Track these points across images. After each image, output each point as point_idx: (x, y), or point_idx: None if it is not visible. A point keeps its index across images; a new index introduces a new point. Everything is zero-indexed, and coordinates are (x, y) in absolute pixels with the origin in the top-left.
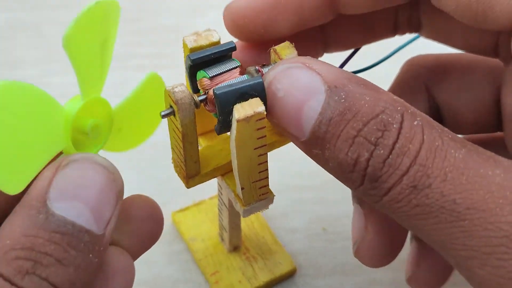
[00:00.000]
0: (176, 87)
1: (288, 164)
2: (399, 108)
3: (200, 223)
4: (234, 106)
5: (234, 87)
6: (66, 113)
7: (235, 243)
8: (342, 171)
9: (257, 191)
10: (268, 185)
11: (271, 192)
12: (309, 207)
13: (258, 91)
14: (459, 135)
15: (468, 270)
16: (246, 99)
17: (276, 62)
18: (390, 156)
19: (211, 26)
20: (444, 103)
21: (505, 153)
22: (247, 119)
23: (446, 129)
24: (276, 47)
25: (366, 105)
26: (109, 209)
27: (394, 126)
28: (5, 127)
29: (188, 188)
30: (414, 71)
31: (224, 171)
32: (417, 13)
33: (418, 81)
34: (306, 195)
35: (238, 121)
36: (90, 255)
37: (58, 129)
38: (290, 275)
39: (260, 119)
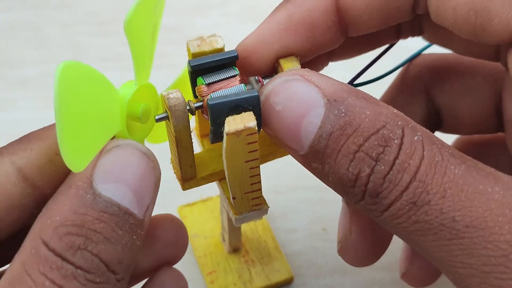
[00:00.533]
0: (172, 93)
1: (288, 165)
2: (399, 122)
3: (204, 220)
4: (226, 118)
5: (227, 99)
6: (121, 97)
7: (235, 245)
8: (342, 185)
9: (249, 202)
10: (261, 196)
11: (265, 203)
12: (309, 207)
13: (253, 104)
14: (458, 135)
15: None
16: (239, 112)
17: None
18: (391, 172)
19: (211, 26)
20: (444, 105)
21: (506, 154)
22: (237, 133)
23: (446, 143)
24: (281, 60)
25: (367, 119)
26: (149, 195)
27: (395, 141)
28: (71, 106)
29: (184, 190)
30: (415, 71)
31: (221, 177)
32: (419, 20)
33: (418, 82)
34: (306, 195)
35: (227, 134)
36: (134, 237)
37: (115, 112)
38: (287, 283)
39: (251, 134)
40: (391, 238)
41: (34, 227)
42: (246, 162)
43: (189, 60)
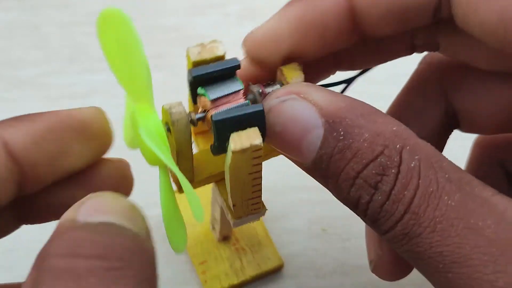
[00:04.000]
0: (174, 107)
1: (288, 165)
2: (398, 146)
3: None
4: (231, 134)
5: (232, 115)
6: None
7: (225, 233)
8: (345, 204)
9: (249, 207)
10: (260, 201)
11: (264, 207)
12: (309, 207)
13: (258, 119)
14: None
15: None
16: (245, 128)
17: (280, 81)
18: (387, 202)
19: (211, 26)
20: (462, 106)
21: None
22: (243, 151)
23: (445, 164)
24: (283, 67)
25: (365, 144)
26: None
27: (392, 171)
28: None
29: (180, 194)
30: (431, 70)
31: (218, 178)
32: (435, 34)
33: (435, 85)
34: (306, 195)
35: (233, 152)
36: None
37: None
38: (277, 270)
39: (256, 150)
40: None
41: None
42: (249, 174)
43: (190, 70)
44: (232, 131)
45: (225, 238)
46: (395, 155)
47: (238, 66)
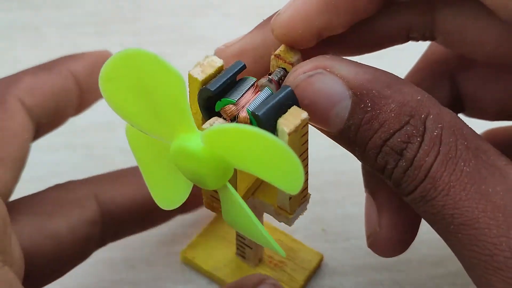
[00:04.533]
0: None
1: None
2: (422, 116)
3: (212, 251)
4: (278, 121)
5: (270, 103)
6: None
7: (260, 256)
8: (372, 168)
9: (300, 195)
10: (307, 187)
11: (308, 193)
12: (309, 207)
13: (291, 99)
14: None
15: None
16: (284, 111)
17: (279, 67)
18: (410, 168)
19: (211, 26)
20: (468, 90)
21: None
22: (296, 130)
23: (465, 131)
24: (277, 52)
25: (392, 114)
26: None
27: (417, 139)
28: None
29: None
30: (440, 55)
31: (253, 190)
32: (431, 29)
33: (442, 67)
34: None
35: (289, 134)
36: None
37: None
38: (320, 264)
39: (305, 125)
40: (419, 225)
41: None
42: (300, 156)
43: (205, 87)
44: (276, 118)
45: (260, 260)
46: (420, 125)
47: (244, 66)
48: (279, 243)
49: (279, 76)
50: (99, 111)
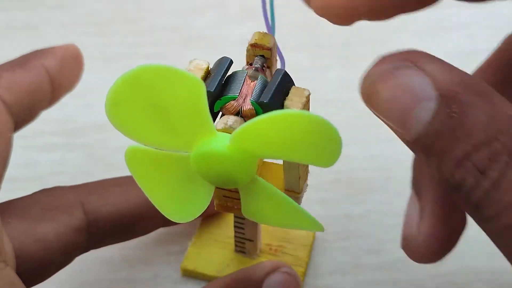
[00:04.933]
0: (230, 119)
1: None
2: None
3: (211, 256)
4: (284, 103)
5: (273, 89)
6: None
7: (260, 246)
8: (444, 183)
9: (306, 171)
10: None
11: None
12: (309, 207)
13: (289, 80)
14: None
15: None
16: (286, 94)
17: (257, 56)
18: (493, 190)
19: (211, 26)
20: None
21: None
22: (304, 108)
23: None
24: (252, 41)
25: (480, 126)
26: None
27: (506, 159)
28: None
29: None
30: None
31: None
32: None
33: None
34: (306, 195)
35: None
36: None
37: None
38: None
39: (308, 100)
40: (464, 228)
41: None
42: None
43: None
44: (282, 102)
45: (260, 250)
46: (510, 143)
47: (231, 61)
48: (270, 234)
49: (260, 63)
50: (99, 111)
